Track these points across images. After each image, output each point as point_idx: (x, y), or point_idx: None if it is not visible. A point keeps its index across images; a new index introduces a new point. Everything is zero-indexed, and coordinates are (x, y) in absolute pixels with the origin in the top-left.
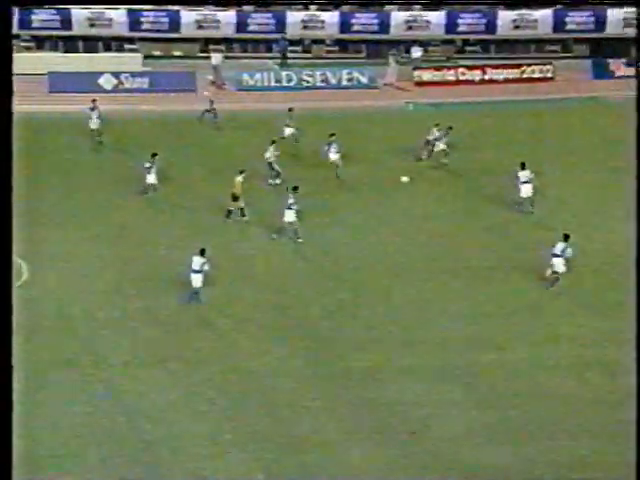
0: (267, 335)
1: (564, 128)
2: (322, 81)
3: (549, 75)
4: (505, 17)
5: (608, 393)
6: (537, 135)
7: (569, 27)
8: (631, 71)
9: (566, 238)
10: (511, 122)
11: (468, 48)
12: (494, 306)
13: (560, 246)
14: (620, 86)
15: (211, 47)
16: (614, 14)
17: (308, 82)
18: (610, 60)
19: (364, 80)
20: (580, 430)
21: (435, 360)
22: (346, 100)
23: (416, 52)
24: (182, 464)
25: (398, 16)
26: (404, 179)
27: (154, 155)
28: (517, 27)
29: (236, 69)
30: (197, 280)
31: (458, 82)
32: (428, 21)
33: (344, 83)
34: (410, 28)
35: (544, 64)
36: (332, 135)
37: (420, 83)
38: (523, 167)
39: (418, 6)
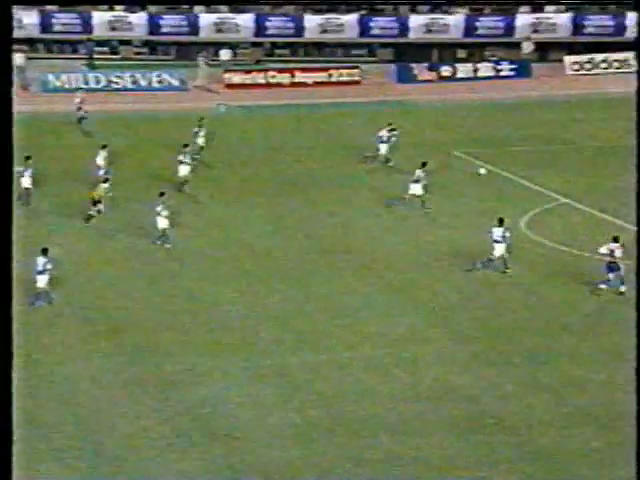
0: (79, 339)
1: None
2: (132, 83)
3: (356, 79)
4: (312, 21)
5: (410, 388)
6: (343, 138)
7: (374, 32)
8: (433, 75)
9: (501, 222)
10: (320, 124)
11: (277, 51)
12: (312, 306)
13: (497, 231)
14: (423, 90)
15: (14, 47)
16: (417, 20)
17: (117, 84)
18: (413, 64)
19: (174, 82)
20: (383, 425)
21: (242, 361)
22: (157, 102)
23: (225, 54)
24: None
25: (207, 18)
26: (482, 171)
27: (28, 158)
28: (324, 31)
29: (41, 70)
30: (42, 281)
31: (268, 85)
32: (237, 24)
33: (154, 85)
34: (219, 30)
35: (351, 68)
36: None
37: (230, 85)
38: (423, 165)
39: (226, 8)
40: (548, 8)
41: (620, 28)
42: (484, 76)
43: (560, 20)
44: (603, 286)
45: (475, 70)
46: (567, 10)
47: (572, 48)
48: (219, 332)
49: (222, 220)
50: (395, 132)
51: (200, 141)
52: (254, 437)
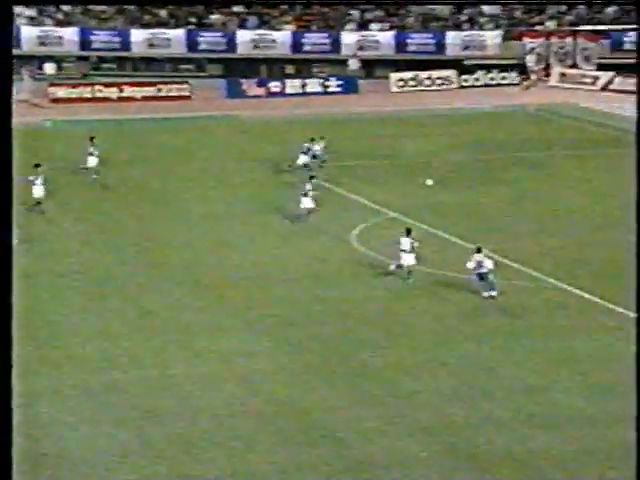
0: None
1: (203, 146)
2: None
3: (186, 94)
4: (139, 35)
5: (243, 403)
6: (176, 152)
7: (202, 47)
8: (262, 91)
9: (408, 232)
10: (150, 139)
11: (104, 65)
12: (145, 322)
13: (405, 241)
14: (252, 105)
15: None
16: (244, 35)
17: None
18: (242, 80)
19: None
20: (215, 441)
21: (72, 379)
22: None
23: (50, 68)
24: None
25: (29, 31)
26: (429, 182)
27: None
28: (152, 45)
29: None
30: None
31: (95, 99)
32: (61, 37)
33: None
34: (42, 44)
35: (180, 83)
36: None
37: (56, 99)
38: (312, 178)
39: (50, 21)
40: (372, 26)
41: (441, 46)
42: (312, 92)
43: (384, 38)
44: (486, 294)
45: (303, 86)
46: (391, 28)
47: (397, 65)
48: (47, 349)
49: (47, 235)
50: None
51: (92, 161)
52: (84, 457)
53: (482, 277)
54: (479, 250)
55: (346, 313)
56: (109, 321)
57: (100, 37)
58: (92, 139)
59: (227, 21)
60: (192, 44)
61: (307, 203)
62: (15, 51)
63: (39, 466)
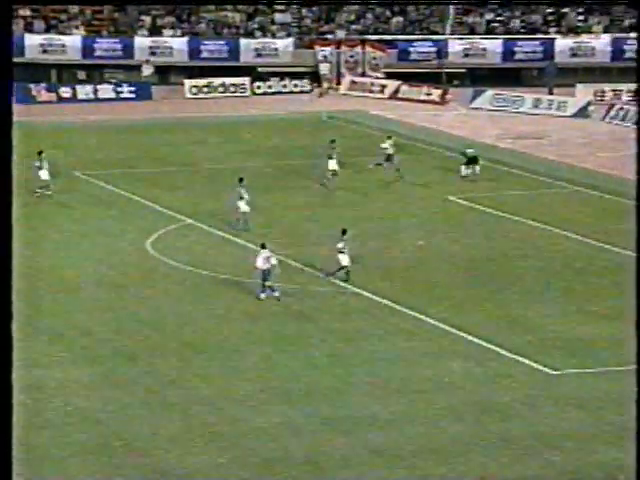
0: None
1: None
2: None
3: None
4: None
5: (35, 415)
6: None
7: None
8: (52, 96)
9: (344, 233)
10: None
11: None
12: None
13: (339, 242)
14: (42, 111)
15: None
16: (32, 39)
17: None
18: (32, 85)
19: None
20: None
21: None
22: None
23: None
24: None
25: None
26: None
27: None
28: None
29: None
30: None
31: None
32: None
33: None
34: None
35: None
36: None
37: None
38: (241, 181)
39: None
40: (165, 32)
41: (234, 53)
42: (105, 98)
43: (176, 44)
44: (264, 295)
45: (95, 91)
46: (183, 35)
47: (191, 72)
48: None
49: None
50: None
51: (43, 174)
52: None
53: (266, 275)
54: (263, 246)
55: (142, 321)
56: None
57: None
58: (40, 153)
59: (12, 24)
60: None
61: (243, 207)
62: None
63: None
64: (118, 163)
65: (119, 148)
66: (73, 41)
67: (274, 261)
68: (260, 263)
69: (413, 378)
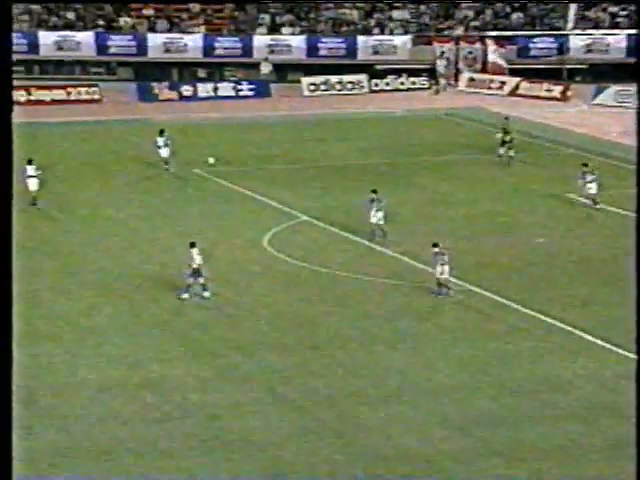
0: None
1: (114, 150)
2: None
3: (96, 97)
4: (47, 38)
5: (156, 409)
6: (87, 156)
7: (112, 50)
8: (174, 94)
9: (435, 245)
10: (60, 143)
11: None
12: (55, 327)
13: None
14: (164, 109)
15: None
16: (155, 39)
17: None
18: (154, 83)
19: None
20: (127, 447)
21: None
22: None
23: None
24: None
25: None
26: (211, 160)
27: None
28: (60, 48)
29: None
30: None
31: None
32: None
33: None
34: None
35: (90, 86)
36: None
37: None
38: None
39: None
40: (284, 30)
41: (352, 51)
42: (224, 95)
43: (295, 42)
44: (186, 295)
45: (216, 89)
46: (301, 32)
47: (309, 69)
48: None
49: None
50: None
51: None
52: None
53: (197, 274)
54: (193, 245)
55: (259, 317)
56: (20, 327)
57: None
58: (30, 161)
59: (137, 24)
60: (101, 47)
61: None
62: None
63: None
64: (237, 160)
65: (238, 145)
66: (194, 40)
67: (199, 260)
68: (195, 262)
69: (531, 378)
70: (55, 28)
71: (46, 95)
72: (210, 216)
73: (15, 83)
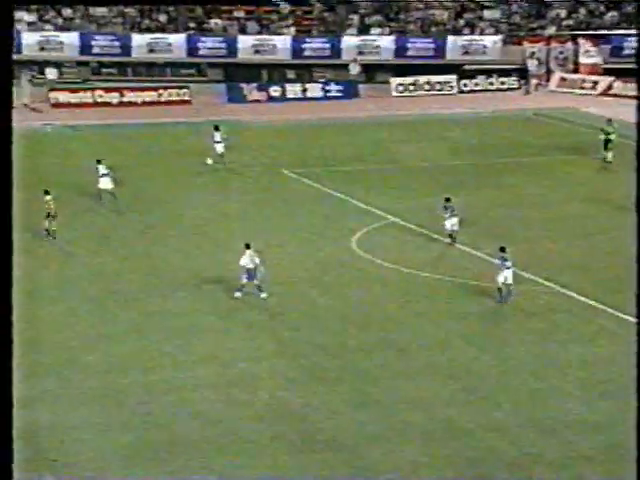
0: None
1: (203, 150)
2: None
3: (186, 98)
4: (139, 40)
5: (245, 408)
6: (176, 157)
7: (202, 52)
8: (262, 95)
9: (502, 250)
10: (150, 144)
11: (104, 70)
12: (145, 326)
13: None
14: (253, 110)
15: None
16: (245, 40)
17: None
18: (243, 84)
19: None
20: (217, 446)
21: (74, 384)
22: None
23: (51, 73)
24: None
25: (31, 36)
26: (209, 161)
27: None
28: (152, 50)
29: None
30: None
31: (96, 104)
32: (61, 42)
33: None
34: (43, 49)
35: (180, 87)
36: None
37: (57, 104)
38: (448, 200)
39: (50, 26)
40: (373, 30)
41: (441, 51)
42: (313, 97)
43: (384, 43)
44: (239, 294)
45: (304, 90)
46: (390, 33)
47: (397, 70)
48: (48, 355)
49: (51, 241)
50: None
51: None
52: (88, 460)
53: (251, 275)
54: (248, 246)
55: (346, 317)
56: (111, 325)
57: (100, 42)
58: (100, 161)
59: (227, 26)
60: (192, 49)
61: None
62: (16, 56)
63: (43, 470)
64: (325, 161)
65: (326, 146)
66: (284, 41)
67: (257, 260)
68: (244, 262)
69: (620, 380)
70: (147, 30)
71: (138, 97)
72: (297, 217)
73: (108, 85)
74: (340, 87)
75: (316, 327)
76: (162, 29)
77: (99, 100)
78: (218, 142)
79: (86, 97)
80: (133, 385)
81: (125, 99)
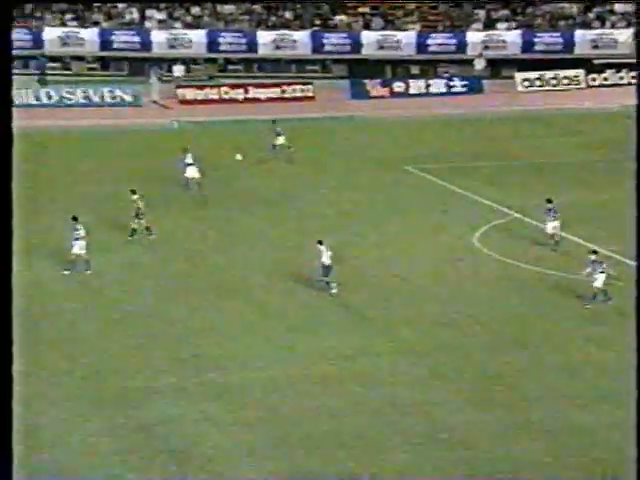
0: (30, 359)
1: (325, 146)
2: (84, 98)
3: (310, 94)
4: (265, 37)
5: (365, 403)
6: (301, 153)
7: (327, 48)
8: (386, 91)
9: (595, 252)
10: (272, 140)
11: (230, 67)
12: (266, 322)
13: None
14: (376, 106)
15: None
16: (369, 36)
17: (70, 100)
18: (366, 80)
19: (127, 98)
20: (338, 441)
21: (195, 378)
22: (110, 118)
23: (178, 70)
24: None
25: (160, 34)
26: (238, 157)
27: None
28: (278, 47)
29: None
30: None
31: (221, 100)
32: (190, 40)
33: (107, 100)
34: (172, 46)
35: (304, 84)
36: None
37: (184, 101)
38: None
39: (179, 24)
40: (499, 25)
41: (569, 45)
42: (436, 92)
43: (510, 37)
44: (334, 291)
45: (427, 86)
46: (517, 27)
47: (523, 65)
48: (172, 349)
49: (174, 235)
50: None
51: (191, 173)
52: (210, 454)
53: (327, 271)
54: (321, 242)
55: (469, 315)
56: (232, 320)
57: (227, 39)
58: (186, 150)
59: (352, 22)
60: (317, 45)
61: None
62: (145, 54)
63: (168, 461)
64: (447, 157)
65: (449, 142)
66: (408, 37)
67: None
68: (325, 259)
69: None
70: (273, 27)
71: (262, 93)
72: (419, 213)
73: (233, 82)
74: (464, 82)
75: (435, 323)
76: (287, 26)
77: (225, 97)
78: (279, 134)
79: (212, 94)
80: (254, 380)
81: (250, 95)
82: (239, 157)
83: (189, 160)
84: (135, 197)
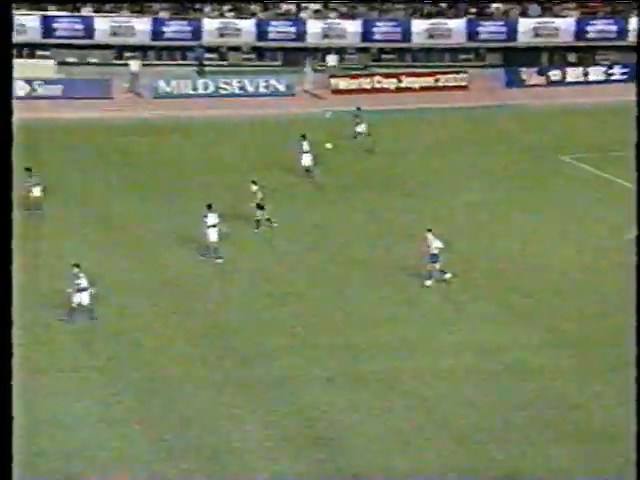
0: (183, 342)
1: (479, 135)
2: (239, 89)
3: (463, 84)
4: (420, 26)
5: (513, 397)
6: (454, 143)
7: (482, 37)
8: (542, 80)
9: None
10: (427, 129)
11: (384, 56)
12: (415, 313)
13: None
14: (531, 94)
15: (127, 54)
16: (526, 24)
17: (226, 90)
18: (522, 69)
19: (281, 88)
20: (487, 433)
21: (346, 367)
22: (264, 108)
23: (332, 60)
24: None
25: (314, 24)
26: (328, 145)
27: (28, 169)
28: (431, 36)
29: (152, 77)
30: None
31: (374, 90)
32: (344, 29)
33: (261, 90)
34: (326, 36)
35: (458, 73)
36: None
37: (337, 91)
38: None
39: (334, 14)
40: None
41: None
42: (595, 80)
43: None
44: (428, 282)
45: (585, 74)
46: None
47: None
48: (321, 336)
49: (320, 224)
50: None
51: (306, 161)
52: (358, 442)
53: (435, 259)
54: (429, 230)
55: (620, 307)
56: (384, 310)
57: (381, 28)
58: (303, 136)
59: (508, 10)
60: (472, 34)
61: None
62: (300, 44)
63: (316, 448)
64: (606, 146)
65: (607, 131)
66: (566, 24)
67: (439, 244)
68: (436, 246)
69: None
70: (428, 16)
71: (415, 82)
72: (574, 204)
73: (386, 71)
74: (625, 70)
75: (588, 316)
76: (442, 14)
77: (377, 86)
78: (359, 123)
79: (365, 83)
80: (405, 370)
81: (402, 85)
82: (329, 146)
83: (306, 148)
84: (255, 188)
